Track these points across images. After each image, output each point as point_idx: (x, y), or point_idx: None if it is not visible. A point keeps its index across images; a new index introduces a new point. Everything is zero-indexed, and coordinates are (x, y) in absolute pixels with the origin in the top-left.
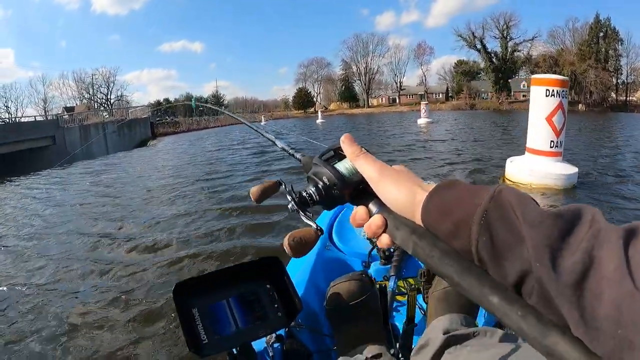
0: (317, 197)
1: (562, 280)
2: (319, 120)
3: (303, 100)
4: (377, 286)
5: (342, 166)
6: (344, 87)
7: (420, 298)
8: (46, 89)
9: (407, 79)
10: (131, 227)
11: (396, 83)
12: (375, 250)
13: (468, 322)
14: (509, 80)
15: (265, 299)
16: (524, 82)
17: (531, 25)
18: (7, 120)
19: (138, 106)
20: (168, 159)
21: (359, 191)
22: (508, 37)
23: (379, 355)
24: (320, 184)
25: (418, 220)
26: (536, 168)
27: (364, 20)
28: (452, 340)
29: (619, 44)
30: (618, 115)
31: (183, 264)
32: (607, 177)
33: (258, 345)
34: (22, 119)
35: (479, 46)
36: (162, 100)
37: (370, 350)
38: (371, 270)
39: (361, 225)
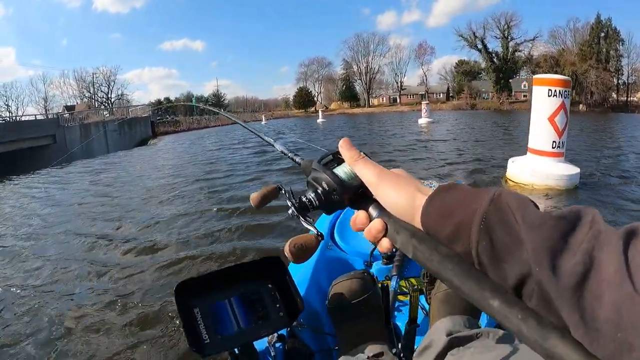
0: (317, 202)
1: (561, 282)
2: (319, 120)
3: (304, 99)
4: (379, 285)
5: (341, 171)
6: (344, 86)
7: (422, 299)
8: (47, 88)
9: (408, 79)
10: (130, 227)
11: (397, 83)
12: (377, 250)
13: (471, 324)
14: (510, 81)
15: (267, 298)
16: (524, 82)
17: (532, 25)
18: (8, 119)
19: (139, 105)
20: (168, 158)
21: (358, 195)
22: (509, 37)
23: (381, 354)
24: (320, 189)
25: (418, 224)
26: (538, 168)
27: (365, 19)
28: (455, 342)
29: (620, 44)
30: (619, 116)
31: (183, 265)
32: (609, 178)
33: (260, 344)
34: (23, 118)
35: (480, 46)
36: (162, 99)
37: (372, 349)
38: (373, 270)
39: (361, 230)
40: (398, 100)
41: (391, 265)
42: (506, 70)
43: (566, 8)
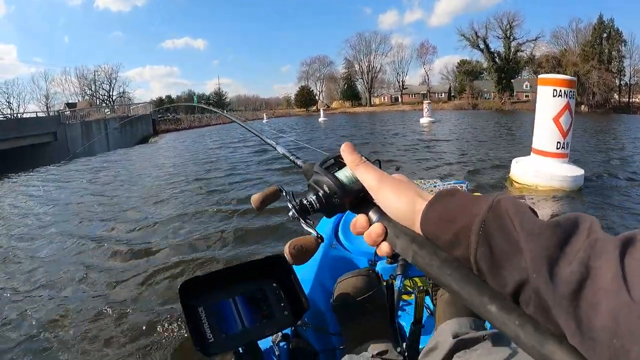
0: (318, 205)
1: (559, 290)
2: (321, 119)
3: (305, 98)
4: (384, 284)
5: (343, 174)
6: (346, 85)
7: (427, 299)
8: (48, 85)
9: (409, 78)
10: (129, 228)
11: (398, 82)
12: None
13: (477, 326)
14: (512, 81)
15: (271, 297)
16: (526, 83)
17: (534, 25)
18: (9, 116)
19: (140, 103)
20: (169, 156)
21: (359, 199)
22: (511, 37)
23: (385, 352)
24: (321, 192)
25: (417, 229)
26: (542, 169)
27: (367, 19)
28: (461, 344)
29: (622, 45)
30: (621, 117)
31: (183, 266)
32: (614, 179)
33: (264, 344)
34: (24, 115)
35: (482, 46)
36: (164, 97)
37: (377, 347)
38: (377, 269)
39: (361, 234)
40: (400, 100)
41: (395, 265)
42: (508, 70)
43: (568, 8)
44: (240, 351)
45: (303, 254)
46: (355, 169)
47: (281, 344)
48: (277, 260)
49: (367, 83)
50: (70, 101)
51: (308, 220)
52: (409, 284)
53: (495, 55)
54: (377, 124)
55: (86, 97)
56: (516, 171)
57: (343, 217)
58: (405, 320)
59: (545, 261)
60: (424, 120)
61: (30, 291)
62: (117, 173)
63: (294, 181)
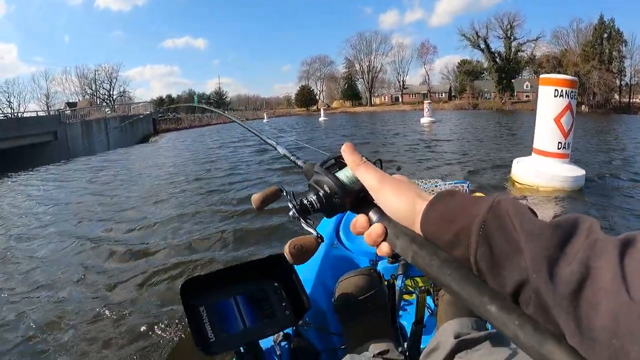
0: (318, 205)
1: (558, 291)
2: (321, 118)
3: (306, 98)
4: (386, 283)
5: (343, 175)
6: (346, 85)
7: (429, 299)
8: (49, 85)
9: (410, 78)
10: (129, 228)
11: (399, 82)
12: None
13: (479, 326)
14: (512, 81)
15: (273, 297)
16: (527, 83)
17: (535, 25)
18: (10, 116)
19: (140, 102)
20: (169, 156)
21: (359, 200)
22: (512, 37)
23: (386, 351)
24: (322, 192)
25: (418, 229)
26: (543, 169)
27: (368, 18)
28: (463, 345)
29: (623, 45)
30: (621, 117)
31: (183, 266)
32: (615, 180)
33: (265, 343)
34: (24, 114)
35: (482, 46)
36: (164, 96)
37: (378, 346)
38: (379, 269)
39: (361, 234)
40: (400, 100)
41: (397, 265)
42: (509, 70)
43: (569, 8)
44: (242, 351)
45: (303, 254)
46: (355, 169)
47: (282, 343)
48: (279, 259)
49: (368, 83)
50: (70, 100)
51: (308, 220)
52: (410, 284)
53: (496, 55)
54: (377, 124)
55: (86, 97)
56: (517, 171)
57: (344, 217)
58: (406, 320)
59: (545, 261)
60: (425, 120)
61: (28, 292)
62: (117, 172)
63: (294, 181)
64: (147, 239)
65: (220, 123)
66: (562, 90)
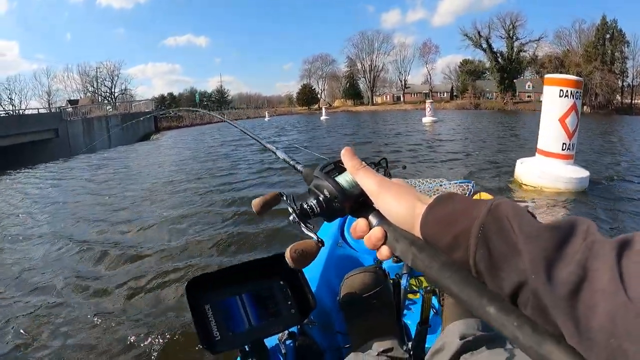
0: (318, 209)
1: (556, 292)
2: (322, 117)
3: (307, 96)
4: (391, 281)
5: (343, 179)
6: (348, 84)
7: (434, 299)
8: (50, 82)
9: (411, 77)
10: (127, 229)
11: (401, 81)
12: None
13: (484, 327)
14: (514, 81)
15: (278, 295)
16: (529, 83)
17: (537, 25)
18: (11, 113)
19: (142, 100)
20: (170, 154)
21: (359, 204)
22: (514, 37)
23: (390, 349)
24: (322, 197)
25: (417, 232)
26: (547, 170)
27: (370, 17)
28: (468, 346)
29: (626, 46)
30: (623, 118)
31: (183, 267)
32: (619, 182)
33: (270, 342)
34: (26, 112)
35: (484, 46)
36: (166, 94)
37: (382, 344)
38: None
39: (361, 237)
40: (402, 99)
41: (401, 264)
42: (511, 70)
43: (571, 9)
44: (247, 349)
45: (304, 258)
46: (355, 174)
47: (287, 342)
48: (284, 258)
49: (370, 82)
50: (72, 98)
51: (309, 225)
52: (415, 283)
53: (498, 55)
54: (379, 123)
55: (88, 94)
56: (521, 172)
57: (349, 216)
58: (411, 319)
59: (543, 263)
60: (426, 119)
61: (19, 296)
62: (116, 171)
63: (296, 181)
64: (146, 240)
65: (222, 121)
66: (567, 91)
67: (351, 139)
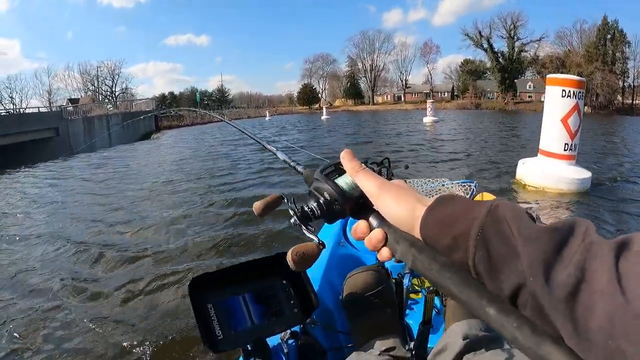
0: (319, 211)
1: (555, 293)
2: (323, 117)
3: (308, 96)
4: (393, 280)
5: (343, 181)
6: (349, 83)
7: (436, 299)
8: (51, 81)
9: (412, 77)
10: (125, 230)
11: (402, 81)
12: None
13: (487, 328)
14: (515, 81)
15: (281, 294)
16: (530, 83)
17: (538, 25)
18: (12, 111)
19: (143, 99)
20: (171, 153)
21: (359, 206)
22: (515, 37)
23: (393, 348)
24: (322, 199)
25: (417, 234)
26: (549, 171)
27: (371, 17)
28: (471, 346)
29: (627, 46)
30: (624, 119)
31: (183, 268)
32: (621, 183)
33: (272, 341)
34: (26, 110)
35: (485, 45)
36: (167, 93)
37: (384, 343)
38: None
39: (362, 239)
40: (402, 99)
41: (404, 263)
42: (512, 70)
43: (572, 9)
44: (249, 348)
45: (305, 261)
46: (355, 176)
47: (290, 341)
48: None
49: (370, 81)
50: (73, 97)
51: (310, 227)
52: (417, 283)
53: (499, 55)
54: (380, 123)
55: (89, 93)
56: (522, 172)
57: None
58: (413, 319)
59: (542, 265)
60: (427, 119)
61: (15, 298)
62: (116, 170)
63: (296, 182)
64: (145, 241)
65: (222, 121)
66: (569, 91)
67: (352, 138)
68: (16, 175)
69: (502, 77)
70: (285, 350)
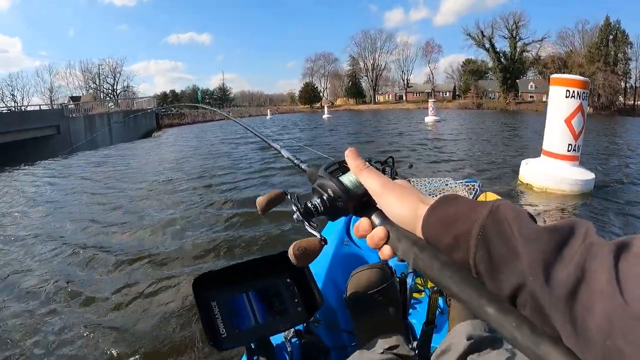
0: (322, 208)
1: (554, 293)
2: (325, 116)
3: (309, 95)
4: (398, 279)
5: (347, 179)
6: (350, 82)
7: (440, 299)
8: (53, 79)
9: (414, 77)
10: (123, 230)
11: (403, 80)
12: None
13: (491, 329)
14: (517, 81)
15: (285, 293)
16: (531, 83)
17: (540, 25)
18: (13, 109)
19: (144, 97)
20: (172, 151)
21: (362, 203)
22: (517, 37)
23: (396, 346)
24: (325, 196)
25: (419, 233)
26: (552, 172)
27: (373, 16)
28: (475, 347)
29: (629, 47)
30: (626, 120)
31: (182, 268)
32: (625, 185)
33: (276, 339)
34: (28, 108)
35: (487, 45)
36: (168, 92)
37: (387, 341)
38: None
39: (364, 236)
40: (404, 98)
41: (407, 262)
42: (513, 70)
43: (575, 9)
44: (253, 346)
45: (307, 256)
46: (359, 174)
47: (293, 340)
48: None
49: (372, 81)
50: (74, 95)
51: (312, 223)
52: (420, 282)
53: (501, 55)
54: (381, 122)
55: (90, 91)
56: (525, 173)
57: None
58: (416, 319)
59: (541, 265)
60: (429, 119)
61: (7, 301)
62: (116, 169)
63: (297, 183)
64: (144, 242)
65: (223, 119)
66: (573, 91)
67: (354, 138)
68: (16, 173)
69: (503, 77)
70: (289, 349)
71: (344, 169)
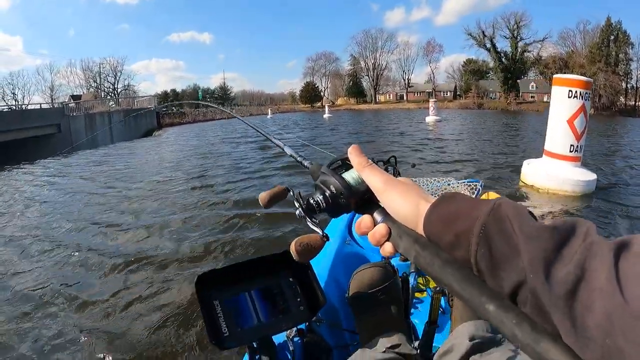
0: (324, 204)
1: (554, 291)
2: (326, 115)
3: (310, 94)
4: (400, 278)
5: (349, 176)
6: (351, 82)
7: (443, 299)
8: (53, 77)
9: (415, 76)
10: (122, 230)
11: (404, 80)
12: None
13: (494, 329)
14: (518, 81)
15: (288, 292)
16: (532, 83)
17: (542, 26)
18: (14, 108)
19: (145, 96)
20: (172, 151)
21: (364, 200)
22: (518, 37)
23: (398, 345)
24: (328, 192)
25: (421, 230)
26: (554, 172)
27: (374, 15)
28: (477, 347)
29: (630, 47)
30: (627, 120)
31: (183, 269)
32: (627, 186)
33: (278, 338)
34: (29, 107)
35: (488, 45)
36: (169, 91)
37: (390, 340)
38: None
39: (365, 234)
40: (405, 98)
41: (409, 262)
42: (514, 70)
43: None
44: (255, 345)
45: (308, 252)
46: (361, 171)
47: (295, 339)
48: None
49: (373, 80)
50: (75, 93)
51: (314, 220)
52: (422, 282)
53: (502, 55)
54: (382, 122)
55: (91, 90)
56: (527, 173)
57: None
58: (418, 318)
59: (542, 263)
60: (430, 118)
61: (1, 304)
62: (116, 168)
63: (298, 183)
64: (143, 244)
65: (224, 118)
66: (576, 91)
67: (355, 137)
68: (15, 172)
69: (504, 77)
70: (291, 348)
71: (347, 166)
